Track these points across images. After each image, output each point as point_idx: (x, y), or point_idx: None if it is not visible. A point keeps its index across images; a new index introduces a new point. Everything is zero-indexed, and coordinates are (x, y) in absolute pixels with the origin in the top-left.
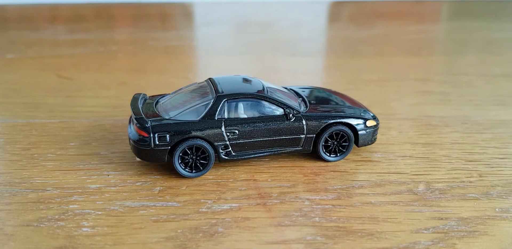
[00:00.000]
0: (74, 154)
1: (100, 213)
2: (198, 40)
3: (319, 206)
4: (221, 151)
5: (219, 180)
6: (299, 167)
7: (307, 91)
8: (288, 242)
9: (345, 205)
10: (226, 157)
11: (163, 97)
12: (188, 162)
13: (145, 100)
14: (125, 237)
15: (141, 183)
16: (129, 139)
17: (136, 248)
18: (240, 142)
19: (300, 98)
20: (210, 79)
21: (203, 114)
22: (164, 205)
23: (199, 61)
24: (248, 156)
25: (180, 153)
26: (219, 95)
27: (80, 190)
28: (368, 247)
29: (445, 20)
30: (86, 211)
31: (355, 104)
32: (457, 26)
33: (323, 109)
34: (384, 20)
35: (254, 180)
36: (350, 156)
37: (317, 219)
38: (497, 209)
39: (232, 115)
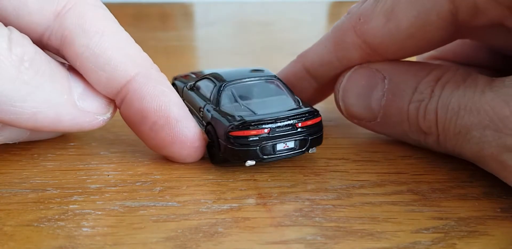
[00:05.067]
0: (74, 154)
1: (100, 213)
2: (198, 40)
3: (319, 206)
4: None
5: (219, 180)
6: (299, 167)
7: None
8: (288, 242)
9: (345, 205)
10: None
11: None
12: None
13: None
14: (125, 237)
15: (141, 183)
16: (222, 143)
17: (136, 248)
18: None
19: None
20: (217, 76)
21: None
22: (164, 205)
23: (199, 61)
24: None
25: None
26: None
27: (80, 190)
28: (368, 247)
29: None
30: (86, 211)
31: None
32: None
33: None
34: None
35: (254, 180)
36: (350, 156)
37: (317, 219)
38: (497, 209)
39: None
